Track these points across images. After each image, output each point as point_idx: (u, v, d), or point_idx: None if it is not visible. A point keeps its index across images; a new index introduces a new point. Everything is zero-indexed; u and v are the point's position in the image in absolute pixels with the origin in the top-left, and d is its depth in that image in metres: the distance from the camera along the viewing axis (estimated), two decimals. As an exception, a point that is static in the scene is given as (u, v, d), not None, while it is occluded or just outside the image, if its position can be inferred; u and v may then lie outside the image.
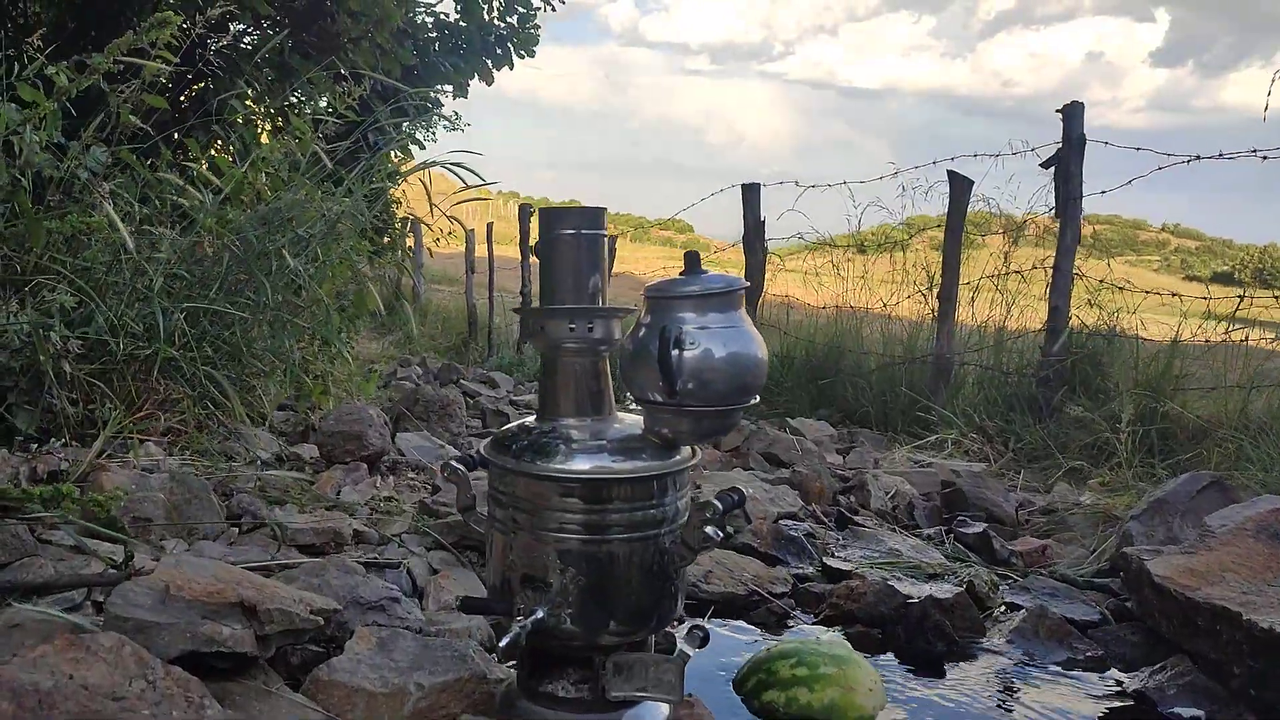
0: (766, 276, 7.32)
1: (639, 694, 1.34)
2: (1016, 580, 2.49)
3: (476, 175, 3.28)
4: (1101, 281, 4.93)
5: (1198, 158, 4.57)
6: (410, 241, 13.48)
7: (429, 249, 7.50)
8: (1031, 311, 5.51)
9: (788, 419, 5.78)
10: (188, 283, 2.67)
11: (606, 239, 1.38)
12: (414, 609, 1.77)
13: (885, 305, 6.40)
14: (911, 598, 2.12)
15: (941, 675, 1.97)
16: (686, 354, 1.24)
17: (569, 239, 1.34)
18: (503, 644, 1.24)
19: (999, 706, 1.85)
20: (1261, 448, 3.23)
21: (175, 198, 2.87)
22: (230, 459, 2.51)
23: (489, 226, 11.83)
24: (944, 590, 2.19)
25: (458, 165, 3.16)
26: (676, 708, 1.49)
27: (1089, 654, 2.05)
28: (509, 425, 1.42)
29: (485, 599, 1.41)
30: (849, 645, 1.88)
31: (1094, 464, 4.09)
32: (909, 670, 1.99)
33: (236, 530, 2.03)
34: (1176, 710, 1.81)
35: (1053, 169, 5.24)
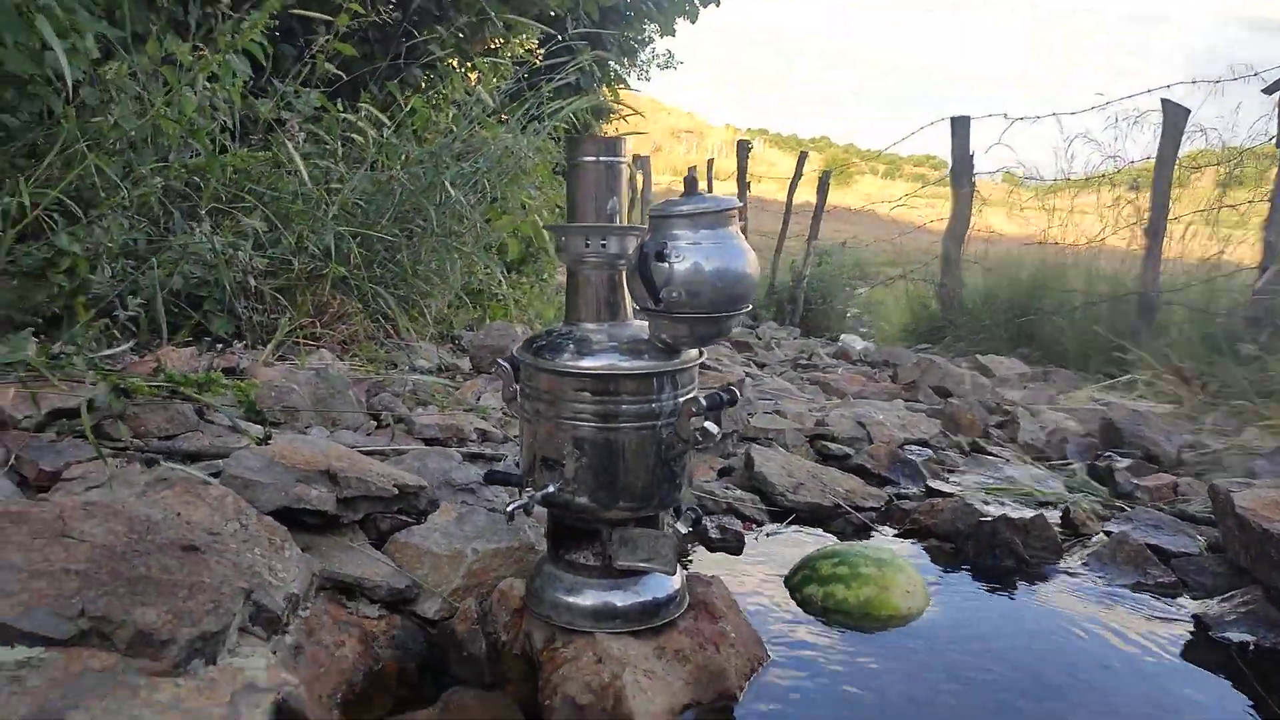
0: (973, 210, 7.15)
1: (641, 564, 1.53)
2: (1126, 512, 2.48)
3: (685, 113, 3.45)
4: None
5: None
6: (640, 178, 13.89)
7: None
8: (1247, 249, 5.15)
9: (978, 356, 5.71)
10: (364, 211, 3.03)
11: (625, 166, 1.55)
12: (501, 493, 2.02)
13: (1090, 242, 6.13)
14: (987, 517, 2.18)
15: (1006, 588, 2.05)
16: (677, 266, 1.40)
17: (589, 165, 1.52)
18: (510, 508, 1.46)
19: (1046, 617, 1.91)
20: None
21: (354, 136, 3.23)
22: (394, 366, 2.86)
23: (709, 163, 11.99)
24: (1023, 512, 2.23)
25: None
26: (697, 583, 1.67)
27: (1161, 580, 2.06)
28: (539, 330, 1.63)
29: (505, 472, 1.64)
30: (894, 551, 1.98)
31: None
32: (978, 582, 2.07)
33: (375, 423, 2.36)
34: (1228, 635, 1.82)
35: (1276, 95, 4.86)
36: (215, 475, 1.75)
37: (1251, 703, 1.63)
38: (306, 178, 2.78)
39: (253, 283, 2.60)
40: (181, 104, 2.57)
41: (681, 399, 1.50)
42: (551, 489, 1.49)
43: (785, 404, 3.44)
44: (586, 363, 1.48)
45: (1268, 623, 1.82)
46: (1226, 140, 5.38)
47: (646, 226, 1.49)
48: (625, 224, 1.54)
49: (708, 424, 1.49)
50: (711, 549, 2.13)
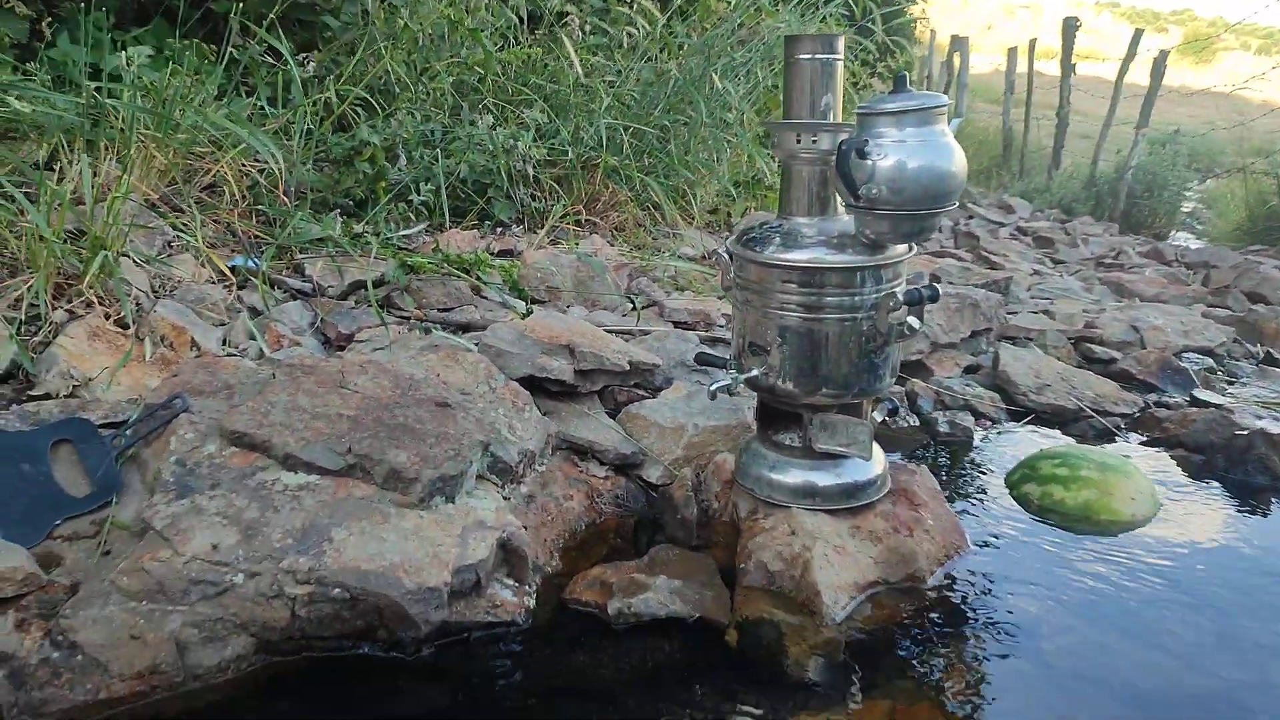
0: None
1: (839, 448, 1.61)
2: None
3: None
4: None
5: None
6: (957, 60, 13.20)
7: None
8: None
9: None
10: (638, 102, 3.17)
11: (840, 63, 1.58)
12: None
13: None
14: (1244, 429, 2.07)
15: (1252, 505, 1.95)
16: (880, 163, 1.44)
17: (805, 62, 1.56)
18: (713, 387, 1.58)
19: (1286, 538, 1.82)
20: None
21: (631, 30, 3.36)
22: (659, 253, 3.03)
23: (1031, 43, 11.18)
24: (1288, 428, 2.09)
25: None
26: (902, 472, 1.74)
27: None
28: (751, 221, 1.71)
29: (714, 354, 1.75)
30: (1125, 457, 1.93)
31: None
32: (1223, 495, 1.99)
33: (630, 304, 2.54)
34: None
35: None
36: (477, 345, 1.99)
37: None
38: (580, 71, 2.95)
39: (531, 171, 2.83)
40: (470, 2, 2.80)
41: (884, 293, 1.55)
42: (756, 373, 1.60)
43: (1060, 304, 3.31)
44: (793, 255, 1.55)
45: None
46: None
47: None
48: (839, 121, 1.58)
49: (909, 319, 1.53)
50: (939, 442, 2.17)
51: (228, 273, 2.10)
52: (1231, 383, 2.67)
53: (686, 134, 3.24)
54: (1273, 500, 1.96)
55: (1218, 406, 2.34)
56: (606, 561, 1.61)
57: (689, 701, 1.33)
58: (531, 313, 2.23)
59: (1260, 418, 2.31)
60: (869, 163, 1.44)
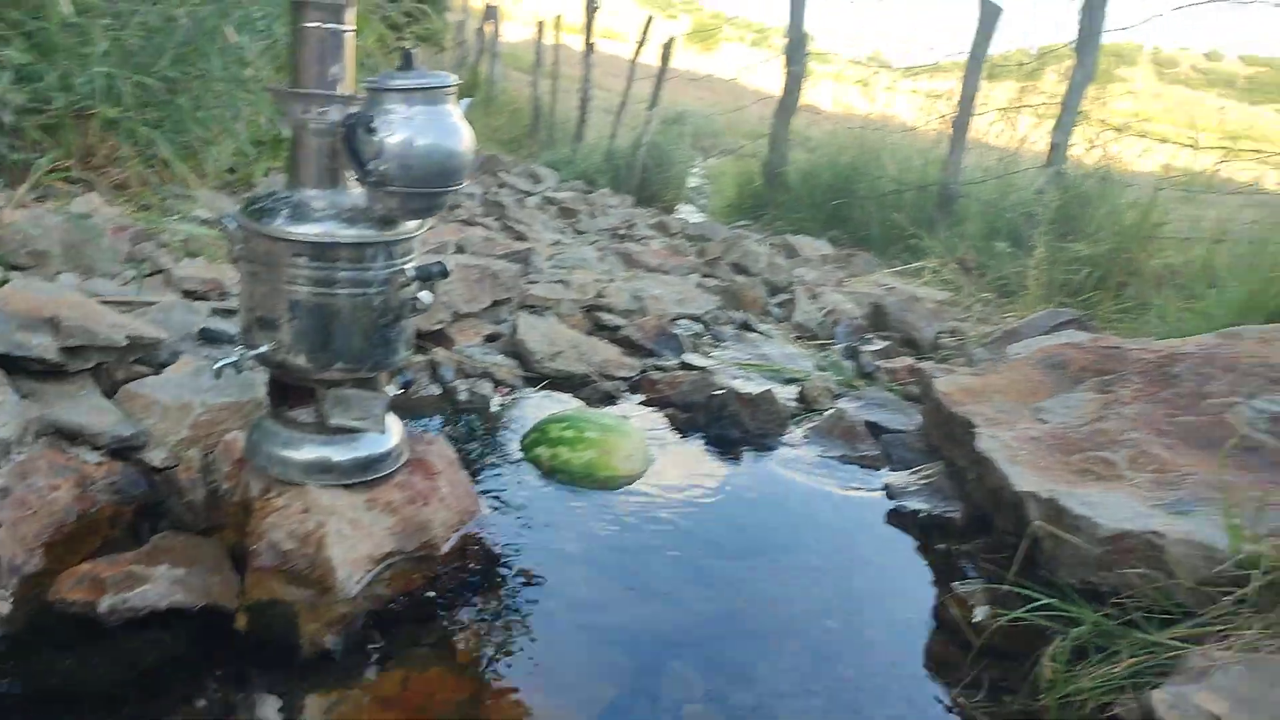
0: (806, 91, 7.29)
1: (353, 422, 1.62)
2: (858, 390, 2.69)
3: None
4: (1103, 122, 4.85)
5: (1213, -1, 4.40)
6: (489, 28, 13.46)
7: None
8: (1044, 147, 5.45)
9: (789, 236, 5.92)
10: (143, 49, 2.91)
11: (350, 33, 1.57)
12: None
13: (906, 130, 6.36)
14: (720, 390, 2.35)
15: (729, 457, 2.23)
16: (389, 140, 1.45)
17: (312, 30, 1.53)
18: (218, 364, 1.52)
19: (758, 483, 2.11)
20: (1165, 297, 3.30)
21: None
22: (171, 215, 2.82)
23: (557, 18, 11.72)
24: (756, 387, 2.41)
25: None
26: (419, 442, 1.77)
27: (867, 453, 2.27)
28: (259, 191, 1.65)
29: (218, 330, 1.69)
30: (623, 418, 2.13)
31: (1066, 300, 4.16)
32: (704, 449, 2.25)
33: (134, 273, 2.34)
34: (907, 503, 2.04)
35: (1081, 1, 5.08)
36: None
37: (917, 561, 1.86)
38: (70, 8, 2.64)
39: (8, 118, 2.50)
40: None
41: (396, 269, 1.57)
42: (265, 349, 1.55)
43: (577, 274, 3.54)
44: (303, 229, 1.52)
45: (942, 494, 2.05)
46: (1035, 40, 5.66)
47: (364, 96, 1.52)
48: (350, 93, 1.56)
49: (422, 294, 1.56)
50: (459, 410, 2.24)
51: None
52: (715, 346, 3.02)
53: (198, 88, 3.03)
54: (744, 450, 2.25)
55: (701, 369, 2.64)
56: (101, 555, 1.49)
57: (195, 694, 1.28)
58: (8, 281, 1.98)
59: (735, 378, 2.64)
60: (377, 139, 1.44)
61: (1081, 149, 4.96)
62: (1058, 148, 4.95)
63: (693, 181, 10.98)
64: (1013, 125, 5.60)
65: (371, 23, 3.74)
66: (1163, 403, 1.92)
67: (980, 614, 1.68)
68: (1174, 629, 1.46)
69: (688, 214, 8.77)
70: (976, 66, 5.55)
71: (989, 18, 5.52)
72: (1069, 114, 4.94)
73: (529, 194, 6.98)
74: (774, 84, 9.95)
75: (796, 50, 7.12)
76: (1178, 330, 3.00)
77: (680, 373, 2.54)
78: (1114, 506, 1.57)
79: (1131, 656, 1.45)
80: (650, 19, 10.07)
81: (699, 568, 1.76)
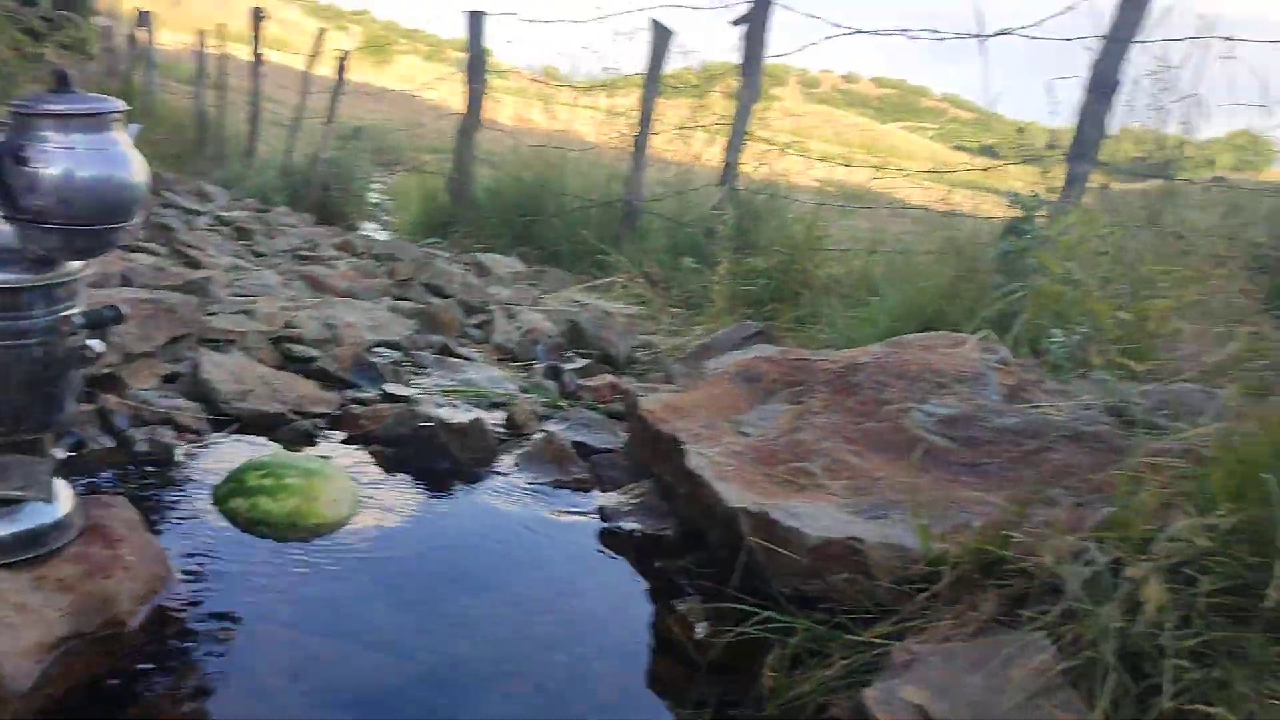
0: (489, 105, 7.28)
1: (14, 492, 1.42)
2: (564, 410, 2.70)
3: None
4: (769, 142, 5.19)
5: (860, 31, 4.82)
6: (143, 35, 12.46)
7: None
8: (718, 165, 5.74)
9: (479, 254, 5.88)
10: None
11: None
12: None
13: (590, 148, 6.51)
14: (428, 421, 2.28)
15: (441, 491, 2.16)
16: (45, 172, 1.28)
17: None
18: None
19: (471, 517, 2.06)
20: (834, 307, 3.57)
21: None
22: None
23: (219, 27, 11.06)
24: (464, 416, 2.36)
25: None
26: (95, 505, 1.59)
27: (578, 476, 2.28)
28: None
29: None
30: (326, 460, 2.02)
31: (748, 312, 4.37)
32: (415, 485, 2.17)
33: None
34: (622, 524, 2.07)
35: (745, 27, 5.39)
36: None
37: (636, 583, 1.88)
38: None
39: None
40: None
41: (59, 316, 1.39)
42: (-105, 413, 1.33)
43: (262, 303, 3.32)
44: (-60, 274, 1.32)
45: (655, 512, 2.10)
46: (705, 61, 5.97)
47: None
48: (-10, 117, 1.37)
49: (90, 342, 1.40)
50: (139, 463, 2.03)
51: None
52: (417, 373, 2.93)
53: None
54: (456, 483, 2.20)
55: (405, 399, 2.56)
56: None
57: None
58: None
59: (440, 406, 2.58)
60: (31, 171, 1.27)
61: (751, 166, 5.26)
62: (730, 165, 5.22)
63: (375, 198, 10.69)
64: (688, 143, 5.86)
65: (5, 29, 3.34)
66: (848, 411, 2.06)
67: (701, 631, 1.72)
68: (877, 627, 1.56)
69: (372, 232, 8.52)
70: (653, 85, 5.76)
71: (661, 39, 5.75)
72: (738, 133, 5.23)
73: (198, 214, 6.51)
74: (454, 99, 9.89)
75: (477, 66, 7.10)
76: (846, 337, 3.25)
77: (383, 405, 2.44)
78: (818, 516, 1.65)
79: (843, 658, 1.53)
80: (324, 31, 9.72)
81: (420, 613, 1.69)
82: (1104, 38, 3.78)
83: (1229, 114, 3.69)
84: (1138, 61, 3.76)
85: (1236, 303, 2.95)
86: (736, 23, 5.35)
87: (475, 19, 7.09)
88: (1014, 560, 1.54)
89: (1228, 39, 3.62)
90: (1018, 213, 3.03)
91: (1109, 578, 1.46)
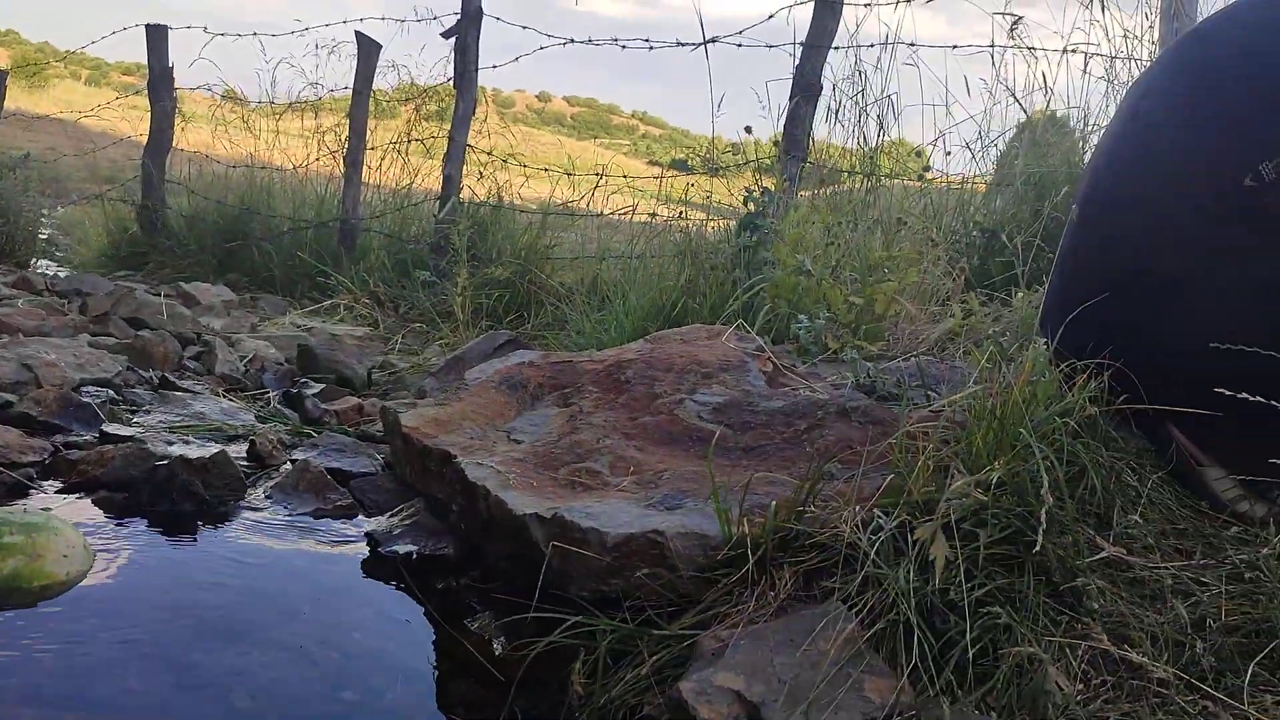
0: (176, 128, 6.76)
1: None
2: (313, 437, 2.52)
3: None
4: (489, 154, 5.13)
5: (571, 40, 4.87)
6: None
7: None
8: (436, 179, 5.61)
9: (182, 284, 5.45)
10: None
11: None
12: None
13: (296, 168, 6.19)
14: (164, 460, 2.06)
15: (187, 534, 1.95)
16: None
17: None
18: None
19: (226, 559, 1.87)
20: (579, 313, 3.56)
21: None
22: None
23: None
24: (205, 451, 2.15)
25: None
26: None
27: (340, 503, 2.13)
28: None
29: None
30: (49, 513, 1.77)
31: (490, 324, 4.26)
32: (155, 531, 1.94)
33: None
34: (395, 548, 1.94)
35: (453, 40, 5.31)
36: None
37: (419, 608, 1.77)
38: None
39: None
40: None
41: None
42: None
43: (-66, 348, 2.89)
44: None
45: (428, 531, 1.99)
46: (415, 76, 5.81)
47: None
48: None
49: None
50: None
51: None
52: (135, 411, 2.65)
53: None
54: (204, 524, 1.99)
55: (130, 439, 2.29)
56: None
57: None
58: None
59: (172, 443, 2.33)
60: None
61: (473, 179, 5.18)
62: (451, 178, 5.12)
63: (44, 232, 9.69)
64: (404, 158, 5.70)
65: None
66: (623, 407, 2.04)
67: (499, 647, 1.65)
68: (683, 619, 1.54)
69: (47, 268, 7.72)
70: (362, 101, 5.56)
71: (368, 52, 5.56)
72: (457, 144, 5.14)
73: None
74: (125, 124, 9.09)
75: (161, 83, 6.58)
76: (595, 340, 3.25)
77: (106, 447, 2.17)
78: (613, 514, 1.62)
79: (652, 655, 1.50)
80: (-30, 48, 8.70)
81: (184, 669, 1.51)
82: (803, 44, 4.00)
83: (918, 113, 4.01)
84: (838, 67, 4.02)
85: (944, 285, 3.21)
86: (447, 34, 5.26)
87: (157, 32, 6.58)
88: (808, 535, 1.57)
89: (911, 45, 3.94)
90: (748, 210, 3.14)
91: (898, 540, 1.52)
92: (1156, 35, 3.77)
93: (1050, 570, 1.54)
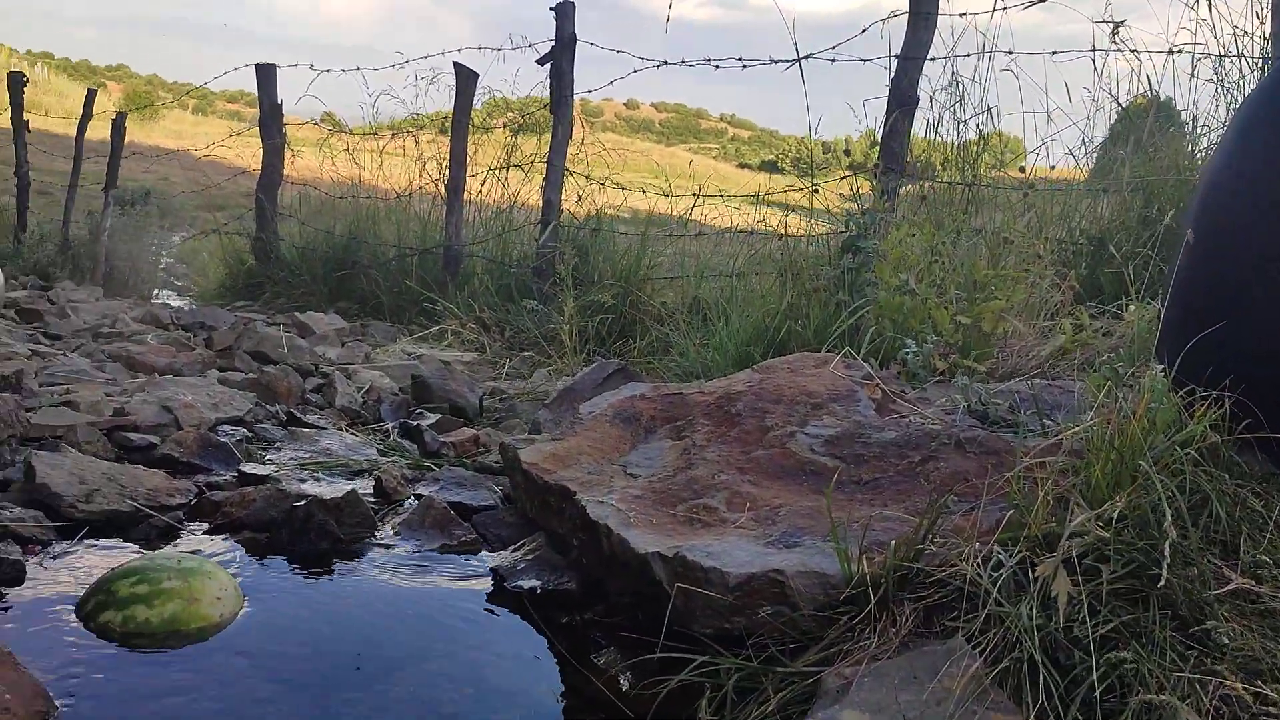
0: (286, 161, 7.04)
1: None
2: (433, 471, 2.62)
3: None
4: (587, 177, 5.22)
5: (664, 63, 4.93)
6: None
7: None
8: (535, 199, 5.73)
9: (296, 313, 5.66)
10: None
11: None
12: None
13: (400, 197, 6.38)
14: (301, 500, 2.16)
15: (325, 573, 2.05)
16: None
17: None
18: None
19: (362, 597, 1.96)
20: (682, 335, 3.62)
21: None
22: None
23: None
24: (336, 490, 2.25)
25: None
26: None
27: (464, 539, 2.21)
28: None
29: None
30: (201, 557, 1.89)
31: (597, 349, 4.35)
32: (296, 570, 2.05)
33: None
34: (520, 583, 2.01)
35: (548, 66, 5.42)
36: None
37: (546, 643, 1.83)
38: None
39: None
40: None
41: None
42: None
43: (82, 391, 3.07)
44: None
45: (551, 566, 2.05)
46: (512, 102, 5.96)
47: None
48: None
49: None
50: (-17, 586, 1.84)
51: None
52: (266, 449, 2.78)
53: None
54: (339, 562, 2.09)
55: (266, 478, 2.42)
56: None
57: None
58: None
59: (304, 481, 2.46)
60: None
61: (572, 202, 5.28)
62: (551, 203, 5.22)
63: (166, 263, 10.15)
64: (503, 183, 5.83)
65: None
66: (735, 441, 2.08)
67: (626, 683, 1.70)
68: (806, 656, 1.57)
69: (169, 300, 8.09)
70: (462, 130, 5.71)
71: (466, 82, 5.71)
72: (555, 170, 5.24)
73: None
74: (232, 154, 9.46)
75: (272, 120, 6.85)
76: (701, 365, 3.29)
77: (248, 489, 2.29)
78: (733, 552, 1.66)
79: (777, 692, 1.54)
80: (93, 92, 9.16)
81: (327, 709, 1.59)
82: (898, 56, 3.99)
83: (1018, 120, 3.97)
84: (935, 78, 4.00)
85: (1052, 297, 3.16)
86: (542, 61, 5.37)
87: (266, 72, 6.85)
88: (927, 574, 1.59)
89: (1009, 52, 3.90)
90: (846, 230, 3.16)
91: (1018, 576, 1.53)
92: (1268, 30, 3.66)
93: (1176, 604, 1.53)
